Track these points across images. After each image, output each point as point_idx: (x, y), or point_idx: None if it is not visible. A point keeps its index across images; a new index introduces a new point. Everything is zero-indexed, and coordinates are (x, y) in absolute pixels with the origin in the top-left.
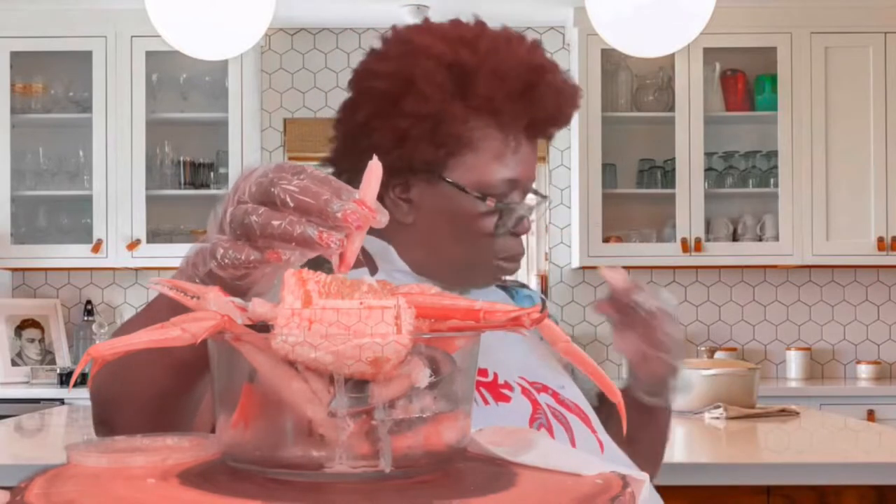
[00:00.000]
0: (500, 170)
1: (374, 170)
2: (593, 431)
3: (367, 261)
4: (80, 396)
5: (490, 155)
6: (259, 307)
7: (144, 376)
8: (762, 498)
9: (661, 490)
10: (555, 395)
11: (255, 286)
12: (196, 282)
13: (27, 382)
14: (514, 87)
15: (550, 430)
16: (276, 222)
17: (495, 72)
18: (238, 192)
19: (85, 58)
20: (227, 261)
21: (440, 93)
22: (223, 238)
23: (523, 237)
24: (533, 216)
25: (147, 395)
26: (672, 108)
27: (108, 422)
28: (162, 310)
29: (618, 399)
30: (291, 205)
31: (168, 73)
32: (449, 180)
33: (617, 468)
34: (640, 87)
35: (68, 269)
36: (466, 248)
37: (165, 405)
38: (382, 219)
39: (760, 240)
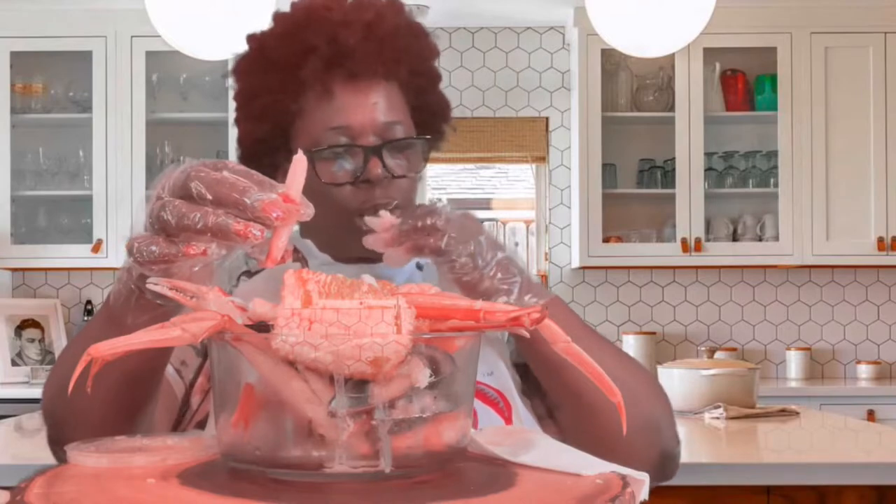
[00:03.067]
0: (322, 122)
1: (299, 163)
2: (507, 421)
3: (298, 256)
4: None
5: (312, 112)
6: (259, 307)
7: (85, 399)
8: (762, 498)
9: (662, 490)
10: None
11: None
12: (131, 286)
13: (27, 382)
14: (298, 40)
15: None
16: (191, 213)
17: (279, 34)
18: (158, 189)
19: (85, 58)
20: (141, 256)
21: (247, 75)
22: (140, 235)
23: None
24: (397, 156)
25: (93, 414)
26: (672, 108)
27: (60, 441)
28: (94, 333)
29: (617, 399)
30: (209, 197)
31: (168, 73)
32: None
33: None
34: (640, 87)
35: (68, 269)
36: (329, 212)
37: (111, 426)
38: (307, 211)
39: (760, 240)
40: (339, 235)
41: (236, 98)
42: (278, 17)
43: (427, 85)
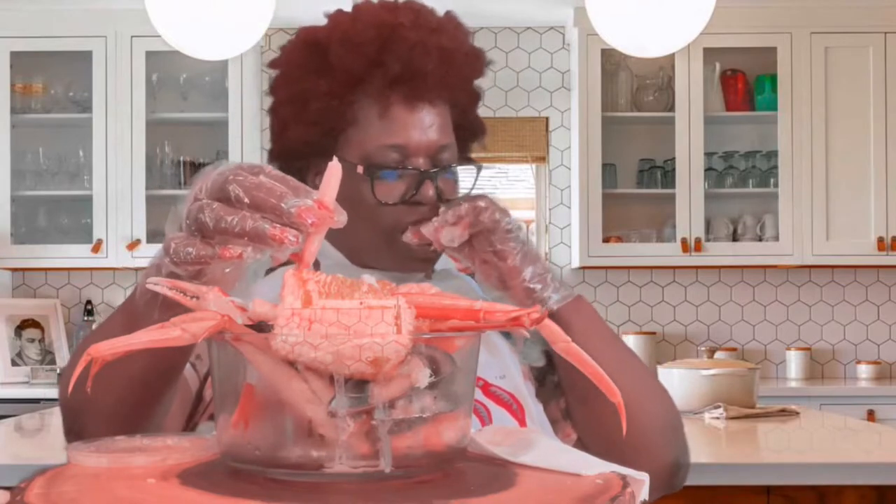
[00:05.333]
0: (379, 137)
1: (334, 170)
2: (520, 423)
3: None
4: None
5: (367, 125)
6: (259, 307)
7: (105, 389)
8: (762, 498)
9: None
10: (485, 386)
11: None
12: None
13: (27, 382)
14: (365, 51)
15: None
16: (229, 217)
17: (345, 39)
18: (195, 190)
19: (85, 58)
20: (178, 256)
21: (300, 71)
22: (178, 235)
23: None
24: (447, 179)
25: (109, 407)
26: (672, 108)
27: (76, 431)
28: (115, 327)
29: (617, 399)
30: (246, 201)
31: (168, 73)
32: (337, 158)
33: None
34: (640, 87)
35: (68, 269)
36: (371, 225)
37: (127, 416)
38: (341, 219)
39: (760, 240)
40: (373, 247)
41: (281, 94)
42: (341, 19)
43: (471, 105)
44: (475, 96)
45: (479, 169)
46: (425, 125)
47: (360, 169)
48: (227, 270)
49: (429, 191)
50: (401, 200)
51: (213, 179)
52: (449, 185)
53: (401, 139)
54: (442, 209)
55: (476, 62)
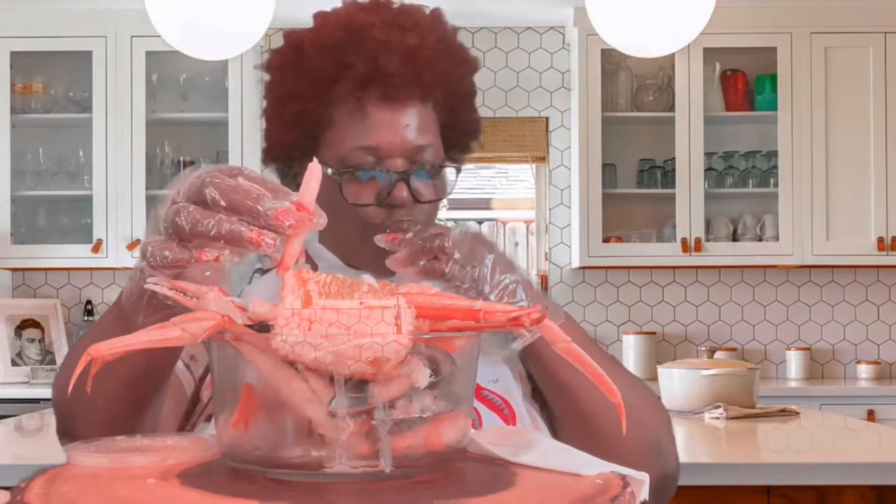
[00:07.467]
0: (354, 139)
1: (314, 171)
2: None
3: (307, 259)
4: None
5: (343, 127)
6: (259, 307)
7: (98, 390)
8: (762, 498)
9: None
10: (477, 390)
11: None
12: (143, 286)
13: (27, 382)
14: (335, 53)
15: None
16: (205, 220)
17: (317, 42)
18: (173, 193)
19: (85, 58)
20: (154, 260)
21: (280, 74)
22: (155, 238)
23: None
24: (423, 180)
25: (102, 408)
26: (672, 108)
27: (69, 432)
28: (106, 328)
29: (617, 399)
30: (223, 203)
31: (168, 73)
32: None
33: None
34: (640, 87)
35: (68, 269)
36: (351, 227)
37: (120, 417)
38: (320, 221)
39: (760, 240)
40: (358, 249)
41: (267, 97)
42: (319, 20)
43: (461, 104)
44: (463, 95)
45: (459, 170)
46: (399, 125)
47: (328, 171)
48: (207, 274)
49: (402, 192)
50: (375, 202)
51: (191, 182)
52: (426, 187)
53: (373, 140)
54: (409, 236)
55: (451, 60)
